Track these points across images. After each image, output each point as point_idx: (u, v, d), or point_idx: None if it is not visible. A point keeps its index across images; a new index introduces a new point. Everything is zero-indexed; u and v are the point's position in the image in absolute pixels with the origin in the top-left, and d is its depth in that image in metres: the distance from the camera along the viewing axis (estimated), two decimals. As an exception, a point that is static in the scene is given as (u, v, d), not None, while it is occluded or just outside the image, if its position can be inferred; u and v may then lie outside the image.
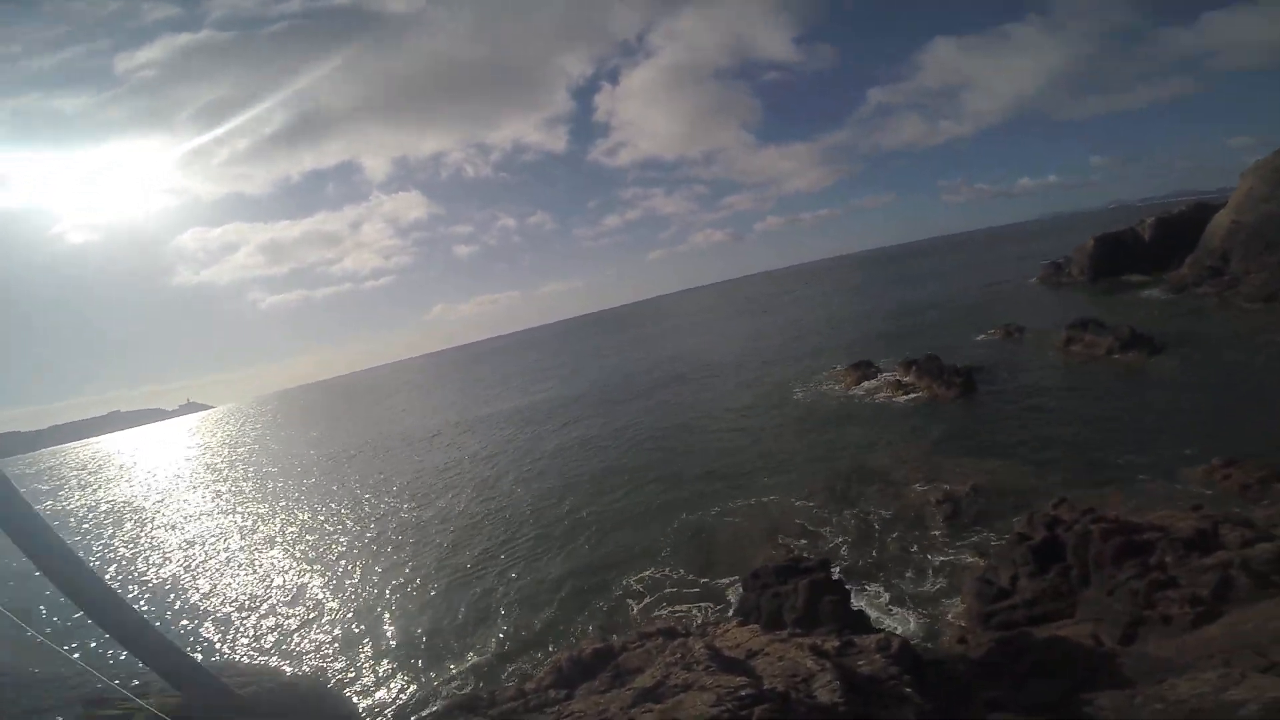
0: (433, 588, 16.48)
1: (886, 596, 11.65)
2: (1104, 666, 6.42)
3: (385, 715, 10.94)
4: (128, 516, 36.16)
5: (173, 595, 19.69)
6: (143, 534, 30.34)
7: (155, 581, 21.57)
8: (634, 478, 22.46)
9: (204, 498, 37.46)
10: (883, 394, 26.88)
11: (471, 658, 12.46)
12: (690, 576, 13.78)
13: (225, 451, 64.36)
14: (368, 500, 28.21)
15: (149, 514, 35.77)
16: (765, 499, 17.57)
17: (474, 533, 20.26)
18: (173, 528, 30.34)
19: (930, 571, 12.02)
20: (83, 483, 61.96)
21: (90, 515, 39.45)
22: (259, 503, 32.43)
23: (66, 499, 50.05)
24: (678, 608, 12.70)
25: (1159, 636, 6.93)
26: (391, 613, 15.48)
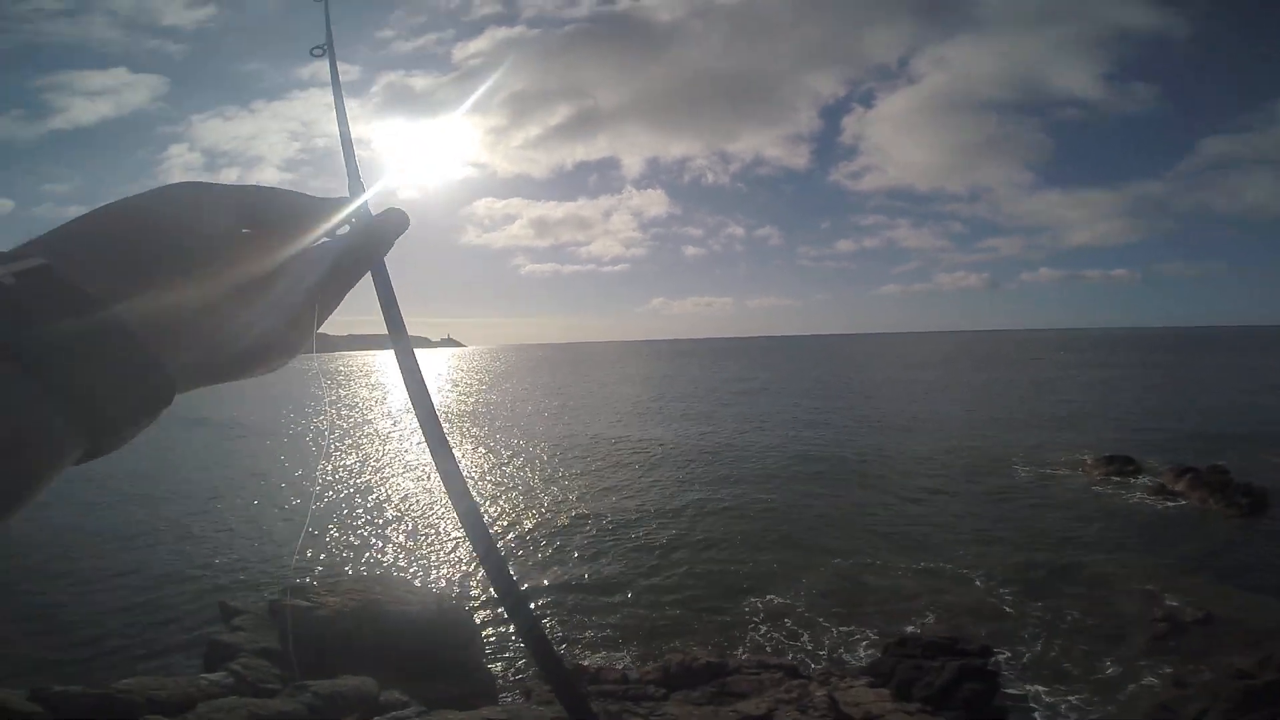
0: (577, 551, 17.86)
1: (1043, 703, 10.04)
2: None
3: (502, 659, 12.06)
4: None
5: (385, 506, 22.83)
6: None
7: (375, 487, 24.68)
8: (801, 505, 21.78)
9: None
10: (1133, 497, 22.31)
11: (587, 629, 13.31)
12: (825, 621, 13.22)
13: (474, 386, 68.88)
14: (557, 453, 28.42)
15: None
16: (938, 566, 16.01)
17: (634, 508, 21.30)
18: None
19: (1107, 689, 10.13)
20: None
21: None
22: (475, 439, 34.19)
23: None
24: (798, 644, 12.27)
25: None
26: (529, 564, 17.07)
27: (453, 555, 18.26)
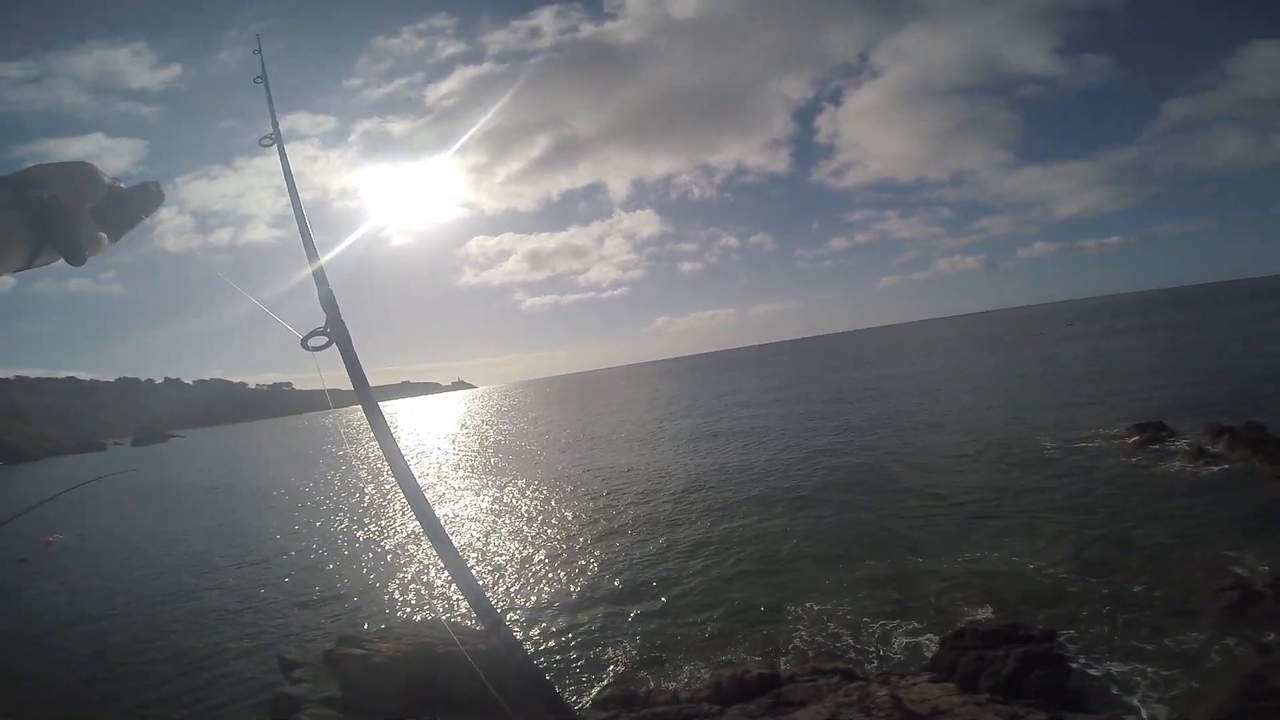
0: (612, 569, 17.57)
1: (1117, 681, 9.62)
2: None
3: (562, 681, 11.91)
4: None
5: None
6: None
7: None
8: (829, 510, 21.24)
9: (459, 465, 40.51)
10: (1174, 462, 21.75)
11: (630, 650, 13.04)
12: (874, 621, 12.83)
13: (487, 424, 69.30)
14: (573, 483, 28.17)
15: (429, 467, 41.19)
16: (984, 555, 15.56)
17: (661, 529, 20.75)
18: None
19: (1185, 662, 9.70)
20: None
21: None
22: (490, 474, 34.04)
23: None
24: (851, 647, 11.90)
25: None
26: (569, 589, 16.83)
27: (493, 593, 18.02)
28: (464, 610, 16.70)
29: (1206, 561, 13.10)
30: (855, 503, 21.44)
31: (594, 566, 18.88)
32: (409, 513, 30.19)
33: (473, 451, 55.81)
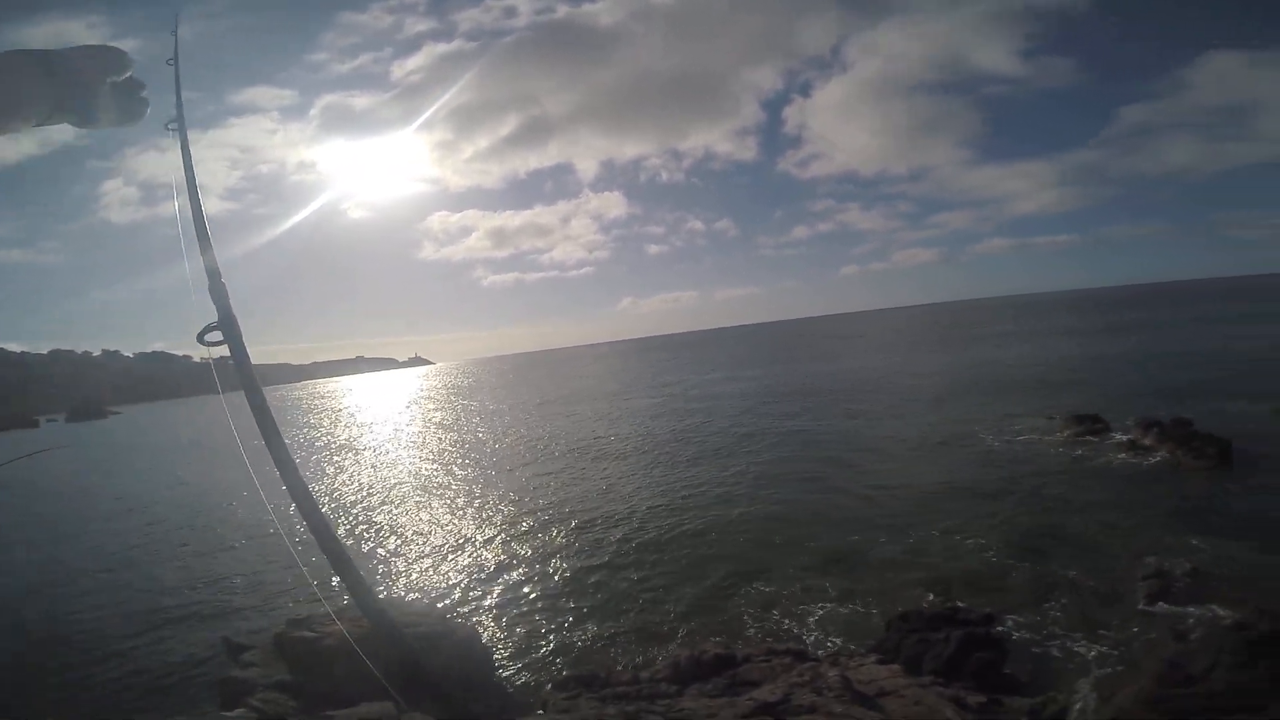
0: (571, 555, 17.70)
1: (1050, 665, 10.24)
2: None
3: (511, 670, 11.97)
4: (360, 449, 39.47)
5: (367, 528, 22.89)
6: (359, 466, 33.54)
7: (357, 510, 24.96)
8: (781, 494, 21.81)
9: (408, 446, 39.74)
10: (1106, 454, 22.98)
11: (589, 633, 13.18)
12: (825, 603, 13.29)
13: (442, 404, 64.36)
14: (540, 460, 28.71)
15: (382, 448, 38.29)
16: (928, 539, 16.27)
17: (617, 511, 20.98)
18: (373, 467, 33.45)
19: (1110, 648, 10.37)
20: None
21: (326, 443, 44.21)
22: (444, 458, 34.16)
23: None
24: (807, 632, 12.30)
25: None
26: (524, 571, 17.00)
27: (451, 573, 17.98)
28: (411, 593, 16.69)
29: (1132, 550, 13.94)
30: (804, 490, 21.99)
31: (547, 549, 19.00)
32: (369, 494, 29.94)
33: (417, 431, 55.21)
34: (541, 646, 12.81)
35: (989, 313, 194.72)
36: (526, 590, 15.88)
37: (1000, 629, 11.04)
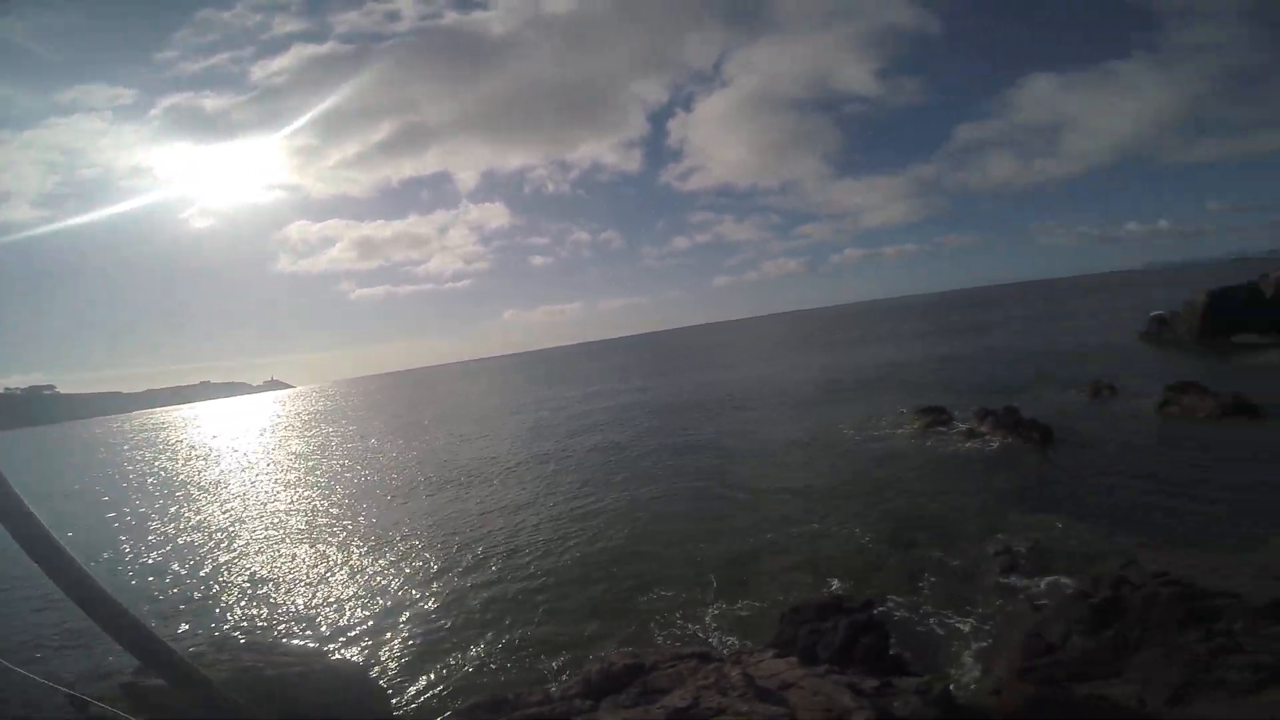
0: (460, 581, 16.82)
1: (929, 641, 11.04)
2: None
3: (413, 705, 11.09)
4: (213, 484, 37.17)
5: (225, 570, 20.56)
6: (212, 502, 31.31)
7: (195, 554, 22.67)
8: (669, 497, 22.27)
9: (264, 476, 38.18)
10: (952, 443, 25.58)
11: (491, 656, 12.58)
12: (720, 603, 13.52)
13: (300, 431, 62.45)
14: (413, 486, 28.11)
15: (227, 482, 36.49)
16: (808, 533, 17.10)
17: (505, 531, 20.37)
18: (229, 501, 31.34)
19: (978, 621, 11.36)
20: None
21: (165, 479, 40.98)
22: (305, 488, 32.79)
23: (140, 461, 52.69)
24: (708, 632, 12.43)
25: (1211, 700, 6.30)
26: (412, 601, 15.88)
27: (326, 609, 16.39)
28: (281, 632, 15.09)
29: (982, 528, 15.46)
30: (691, 496, 22.40)
31: (434, 578, 17.93)
32: (216, 533, 26.79)
33: (268, 463, 50.76)
34: (440, 675, 11.90)
35: (845, 319, 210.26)
36: (416, 618, 14.75)
37: (881, 611, 11.72)
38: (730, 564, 15.58)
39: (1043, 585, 11.99)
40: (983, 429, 26.02)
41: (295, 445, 58.68)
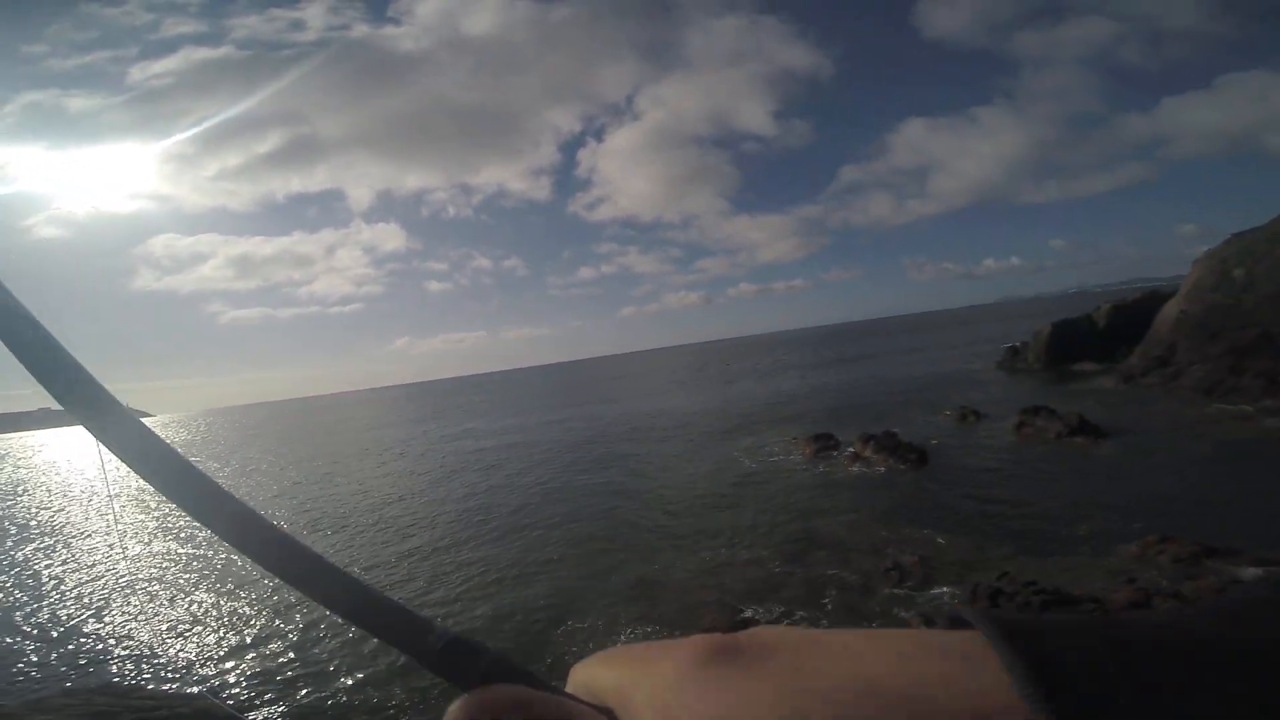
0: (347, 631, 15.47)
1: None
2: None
3: None
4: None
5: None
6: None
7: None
8: (577, 529, 21.88)
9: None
10: (840, 466, 27.02)
11: (388, 701, 11.59)
12: (632, 630, 13.42)
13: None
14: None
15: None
16: (714, 558, 17.37)
17: (407, 572, 19.16)
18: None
19: (875, 637, 11.78)
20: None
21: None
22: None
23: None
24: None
25: None
26: (281, 634, 14.42)
27: (181, 644, 14.52)
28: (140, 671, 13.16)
29: (873, 544, 16.31)
30: (597, 527, 22.09)
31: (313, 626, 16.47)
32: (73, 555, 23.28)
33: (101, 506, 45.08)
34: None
35: (741, 350, 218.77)
36: (290, 653, 13.41)
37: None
38: (641, 590, 15.50)
39: (930, 595, 12.78)
40: (866, 452, 27.53)
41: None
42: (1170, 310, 34.65)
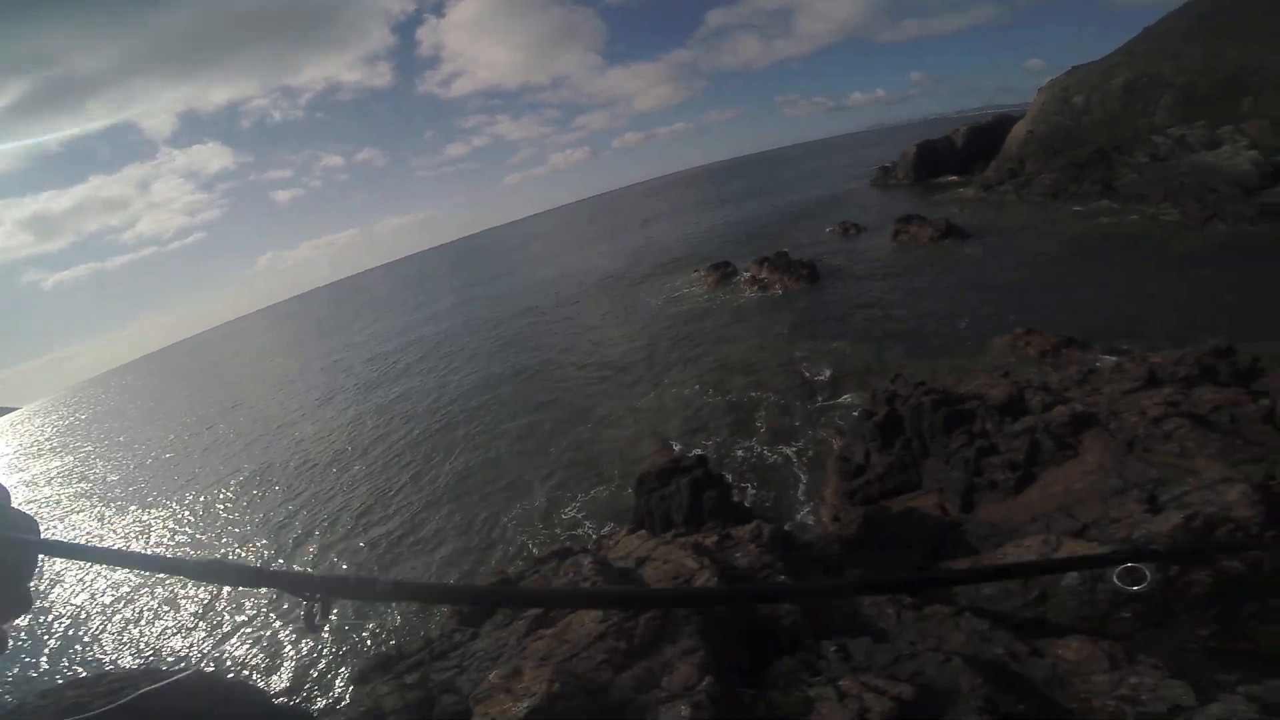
0: (307, 542, 15.66)
1: (765, 479, 12.48)
2: (950, 535, 7.14)
3: (298, 693, 10.28)
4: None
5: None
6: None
7: None
8: (500, 405, 22.19)
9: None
10: (741, 292, 28.39)
11: (362, 620, 11.67)
12: (582, 494, 13.87)
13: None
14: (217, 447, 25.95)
15: None
16: (638, 403, 18.13)
17: (344, 482, 19.42)
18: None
19: (802, 447, 13.06)
20: None
21: None
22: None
23: None
24: (577, 527, 12.75)
25: (990, 503, 7.79)
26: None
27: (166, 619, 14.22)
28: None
29: (782, 364, 17.53)
30: (520, 400, 22.13)
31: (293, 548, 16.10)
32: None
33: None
34: (318, 652, 11.02)
35: (632, 199, 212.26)
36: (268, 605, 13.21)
37: (716, 464, 12.72)
38: (580, 452, 16.00)
39: (841, 404, 13.95)
40: (762, 275, 28.86)
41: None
42: (1019, 130, 38.72)
